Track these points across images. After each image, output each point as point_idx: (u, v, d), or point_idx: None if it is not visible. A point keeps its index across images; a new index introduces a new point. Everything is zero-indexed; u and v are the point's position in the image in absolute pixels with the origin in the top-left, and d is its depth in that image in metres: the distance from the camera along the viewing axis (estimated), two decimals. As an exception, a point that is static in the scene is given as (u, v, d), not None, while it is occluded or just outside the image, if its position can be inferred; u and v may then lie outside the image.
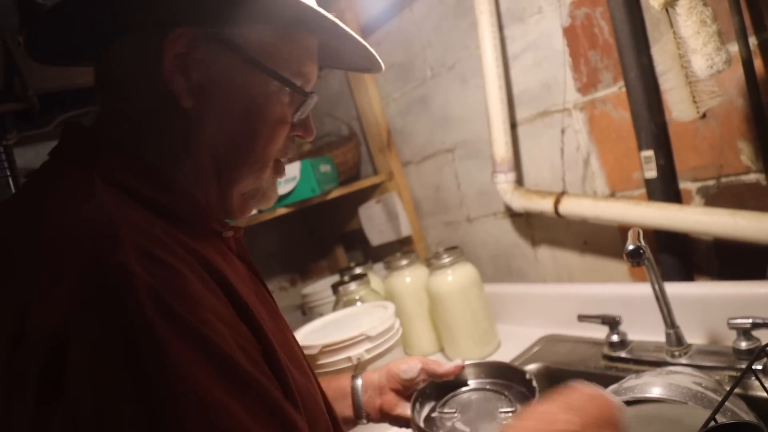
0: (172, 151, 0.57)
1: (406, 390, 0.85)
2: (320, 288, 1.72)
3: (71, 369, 0.39)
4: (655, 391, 0.75)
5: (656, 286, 0.91)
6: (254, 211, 1.57)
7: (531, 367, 1.13)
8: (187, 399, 0.40)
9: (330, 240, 2.17)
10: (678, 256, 1.12)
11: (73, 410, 0.39)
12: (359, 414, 0.85)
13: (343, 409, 0.85)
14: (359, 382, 0.87)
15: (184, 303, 0.43)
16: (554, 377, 1.11)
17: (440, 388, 0.87)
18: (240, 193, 0.63)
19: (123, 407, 0.39)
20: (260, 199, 0.66)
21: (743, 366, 0.83)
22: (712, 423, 0.56)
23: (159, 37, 0.53)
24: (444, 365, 0.85)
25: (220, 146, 0.58)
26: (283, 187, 1.50)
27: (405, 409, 0.84)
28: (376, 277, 1.59)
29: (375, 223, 1.78)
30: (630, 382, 0.79)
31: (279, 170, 0.66)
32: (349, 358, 1.06)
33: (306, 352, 1.07)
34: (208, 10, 0.55)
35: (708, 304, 0.97)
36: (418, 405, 0.83)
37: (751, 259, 0.98)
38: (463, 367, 0.86)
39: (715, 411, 0.54)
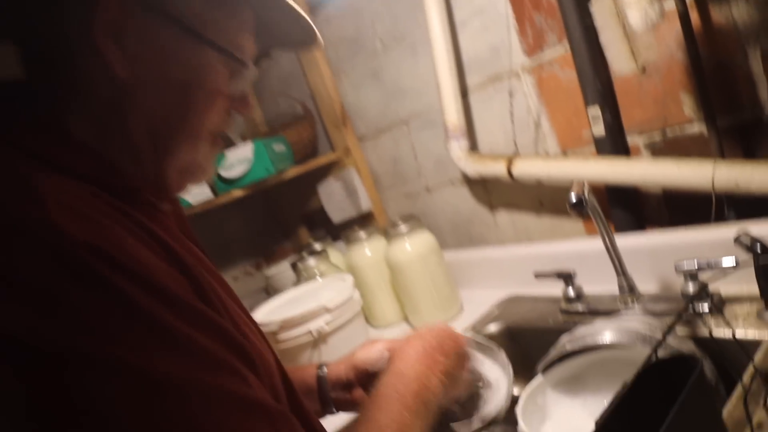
0: (105, 124, 0.55)
1: (374, 379, 0.83)
2: (284, 269, 1.72)
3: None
4: (606, 337, 0.77)
5: (606, 238, 0.93)
6: (211, 196, 1.55)
7: (492, 327, 1.14)
8: (160, 332, 0.41)
9: (293, 221, 2.15)
10: (630, 210, 1.14)
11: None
12: (327, 407, 0.85)
13: (310, 402, 0.84)
14: (325, 376, 0.85)
15: (123, 254, 0.43)
16: (515, 336, 1.12)
17: None
18: (176, 167, 0.61)
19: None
20: (196, 172, 0.64)
21: (692, 309, 0.85)
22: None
23: (90, 4, 0.51)
24: None
25: (156, 117, 0.56)
26: (237, 169, 1.47)
27: None
28: (338, 253, 1.58)
29: (335, 200, 1.77)
30: (581, 330, 0.81)
31: (216, 143, 0.65)
32: (309, 332, 1.05)
33: (266, 329, 1.06)
34: None
35: (657, 252, 1.00)
36: None
37: (698, 206, 1.01)
38: None
39: (655, 348, 0.56)
